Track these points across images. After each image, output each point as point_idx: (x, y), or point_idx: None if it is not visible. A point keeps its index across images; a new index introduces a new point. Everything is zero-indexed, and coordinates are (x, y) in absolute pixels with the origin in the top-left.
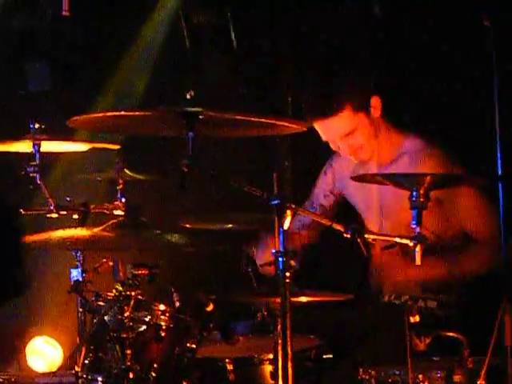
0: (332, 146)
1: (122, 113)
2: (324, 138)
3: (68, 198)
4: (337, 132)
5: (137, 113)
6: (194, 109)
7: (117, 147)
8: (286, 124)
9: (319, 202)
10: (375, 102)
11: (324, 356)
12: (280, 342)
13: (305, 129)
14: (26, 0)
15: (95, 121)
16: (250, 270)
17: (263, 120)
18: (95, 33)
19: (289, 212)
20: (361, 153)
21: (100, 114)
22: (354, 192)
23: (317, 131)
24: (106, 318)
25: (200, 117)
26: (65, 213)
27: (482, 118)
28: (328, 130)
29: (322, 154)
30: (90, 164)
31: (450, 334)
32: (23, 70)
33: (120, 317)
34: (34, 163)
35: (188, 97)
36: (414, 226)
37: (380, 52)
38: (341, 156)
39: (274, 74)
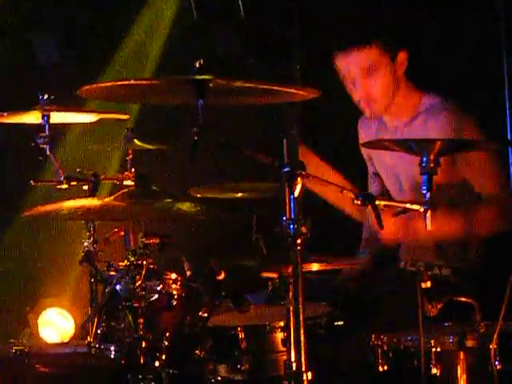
0: (348, 86)
1: (132, 82)
2: (343, 72)
3: (78, 169)
4: (359, 66)
5: (146, 81)
6: (203, 76)
7: (126, 117)
8: (294, 91)
9: (371, 171)
10: (402, 56)
11: (335, 323)
12: (292, 309)
13: (314, 95)
14: None
15: (105, 90)
16: (259, 237)
17: (272, 87)
18: (103, 4)
19: (299, 179)
20: (374, 102)
21: (109, 83)
22: (376, 157)
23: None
24: (117, 287)
25: (210, 85)
26: (75, 183)
27: (492, 84)
28: (351, 62)
29: (330, 124)
30: (99, 134)
31: (462, 299)
32: (30, 43)
33: (132, 286)
34: (44, 134)
35: (197, 65)
36: (425, 192)
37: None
38: (363, 119)
39: (282, 41)
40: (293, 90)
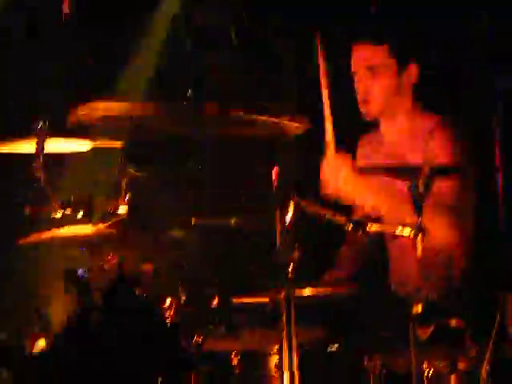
0: (355, 83)
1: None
2: (353, 67)
3: (72, 197)
4: (366, 62)
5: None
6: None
7: (119, 144)
8: (288, 123)
9: None
10: (413, 68)
11: (329, 346)
12: (285, 334)
13: (304, 127)
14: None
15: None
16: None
17: (264, 119)
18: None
19: (291, 204)
20: (369, 104)
21: (102, 102)
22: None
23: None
24: None
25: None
26: (69, 211)
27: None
28: (360, 57)
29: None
30: (93, 163)
31: (452, 322)
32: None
33: None
34: (38, 162)
35: (188, 95)
36: (415, 217)
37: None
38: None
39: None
40: (285, 121)
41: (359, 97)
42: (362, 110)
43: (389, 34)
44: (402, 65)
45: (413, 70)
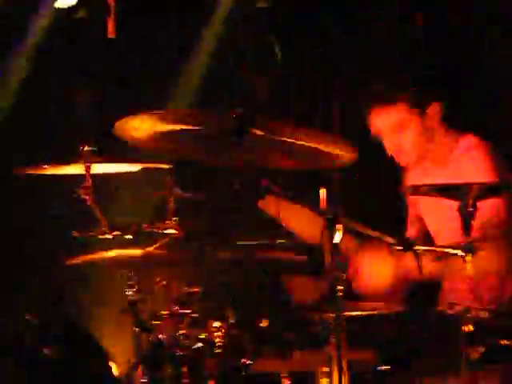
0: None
1: (169, 115)
2: (374, 130)
3: (120, 219)
4: (387, 123)
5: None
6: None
7: (168, 166)
8: (335, 151)
9: (413, 214)
10: (433, 108)
11: (380, 368)
12: (335, 355)
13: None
14: (71, 26)
15: (143, 130)
16: None
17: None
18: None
19: (339, 226)
20: (402, 155)
21: (147, 116)
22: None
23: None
24: (160, 336)
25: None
26: (118, 233)
27: None
28: (380, 120)
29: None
30: (141, 184)
31: (504, 341)
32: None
33: (175, 335)
34: (86, 185)
35: (235, 115)
36: (464, 237)
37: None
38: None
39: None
40: (334, 151)
41: (391, 153)
42: (396, 159)
43: (402, 90)
44: (423, 110)
45: (434, 110)
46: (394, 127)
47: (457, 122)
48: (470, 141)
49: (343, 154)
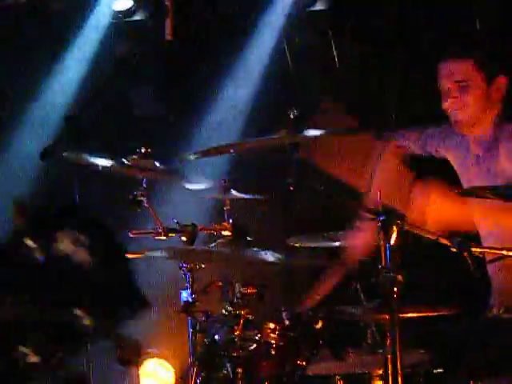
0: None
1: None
2: (440, 82)
3: (175, 221)
4: (453, 77)
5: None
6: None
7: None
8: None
9: None
10: (501, 81)
11: (434, 370)
12: (390, 357)
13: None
14: (129, 26)
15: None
16: (358, 285)
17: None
18: (199, 55)
19: (395, 227)
20: (460, 112)
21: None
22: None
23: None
24: (216, 337)
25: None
26: (173, 235)
27: None
28: (447, 73)
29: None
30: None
31: None
32: (128, 96)
33: (230, 336)
34: (142, 187)
35: (292, 116)
36: None
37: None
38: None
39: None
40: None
41: (450, 111)
42: (453, 120)
43: (475, 47)
44: (490, 77)
45: (501, 82)
46: (459, 83)
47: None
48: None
49: None
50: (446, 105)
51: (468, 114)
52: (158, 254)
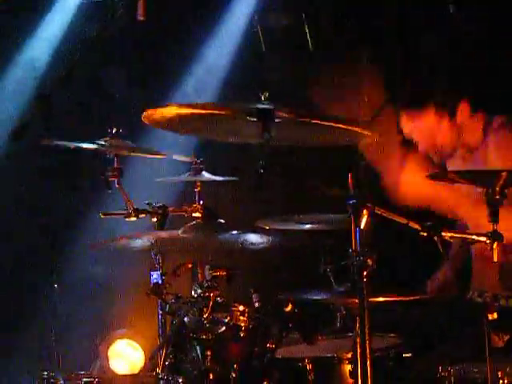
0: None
1: (196, 109)
2: (406, 130)
3: (146, 202)
4: (417, 127)
5: (212, 110)
6: (267, 106)
7: (191, 159)
8: (358, 130)
9: None
10: (463, 106)
11: (403, 355)
12: (359, 341)
13: (376, 138)
14: (100, 6)
15: (169, 117)
16: (328, 269)
17: (336, 125)
18: (168, 34)
19: (365, 211)
20: (437, 155)
21: (174, 107)
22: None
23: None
24: (185, 319)
25: (276, 120)
26: (144, 216)
27: None
28: (410, 123)
29: None
30: (167, 167)
31: None
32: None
33: (199, 318)
34: (113, 167)
35: (263, 98)
36: (491, 223)
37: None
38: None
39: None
40: (356, 129)
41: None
42: (434, 159)
43: (428, 96)
44: (452, 110)
45: (463, 107)
46: (425, 131)
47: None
48: (498, 120)
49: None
50: (421, 148)
51: (445, 148)
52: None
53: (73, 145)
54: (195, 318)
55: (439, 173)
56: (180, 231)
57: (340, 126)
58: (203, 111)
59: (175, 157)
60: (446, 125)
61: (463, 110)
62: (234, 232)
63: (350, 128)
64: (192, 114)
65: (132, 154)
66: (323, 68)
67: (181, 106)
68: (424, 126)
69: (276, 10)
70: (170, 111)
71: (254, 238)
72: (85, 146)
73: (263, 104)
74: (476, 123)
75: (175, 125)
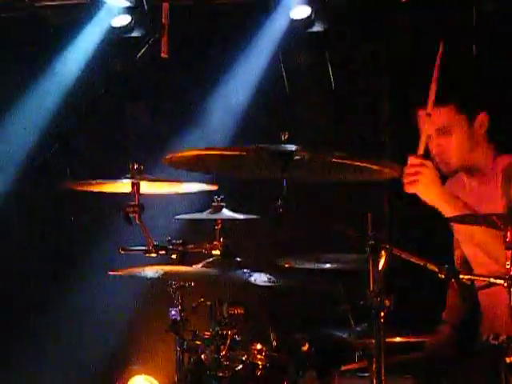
0: (427, 144)
1: (217, 152)
2: (422, 127)
3: (168, 238)
4: (435, 124)
5: (231, 152)
6: (288, 148)
7: (215, 188)
8: (381, 168)
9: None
10: (482, 118)
11: None
12: (375, 381)
13: (399, 174)
14: (124, 43)
15: (189, 158)
16: (347, 308)
17: (358, 164)
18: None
19: (383, 252)
20: (447, 158)
21: (194, 152)
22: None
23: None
24: (202, 356)
25: (295, 157)
26: (164, 252)
27: None
28: (427, 121)
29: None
30: (188, 204)
31: None
32: (123, 112)
33: (217, 356)
34: (133, 203)
35: (283, 138)
36: (508, 267)
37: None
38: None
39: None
40: (379, 168)
41: (436, 157)
42: (440, 162)
43: (453, 93)
44: (471, 117)
45: (482, 119)
46: (442, 130)
47: (498, 138)
48: (507, 160)
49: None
50: (432, 151)
51: (455, 157)
52: (149, 273)
53: (95, 187)
54: (213, 355)
55: (457, 217)
56: (199, 266)
57: (360, 164)
58: (224, 152)
59: (199, 186)
60: (463, 129)
61: (482, 123)
62: (245, 270)
63: (372, 166)
64: (212, 154)
65: (152, 190)
66: None
67: (201, 150)
68: (441, 124)
69: (301, 48)
70: (190, 153)
71: (259, 277)
72: (107, 190)
73: (283, 144)
74: (488, 148)
75: (195, 166)
